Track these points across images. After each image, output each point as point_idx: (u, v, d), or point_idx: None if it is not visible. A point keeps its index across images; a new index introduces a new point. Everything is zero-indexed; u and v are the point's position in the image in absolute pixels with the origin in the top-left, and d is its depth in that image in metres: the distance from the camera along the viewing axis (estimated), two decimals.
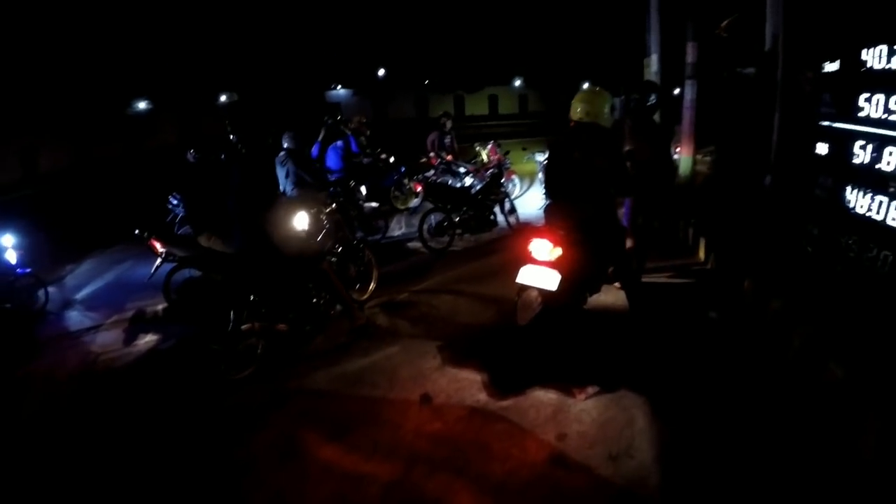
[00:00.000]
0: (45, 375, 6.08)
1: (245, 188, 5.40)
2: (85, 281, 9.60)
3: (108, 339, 6.94)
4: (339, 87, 46.47)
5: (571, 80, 37.76)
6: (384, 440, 4.32)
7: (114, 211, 15.03)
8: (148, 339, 6.77)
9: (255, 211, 5.36)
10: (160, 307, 7.59)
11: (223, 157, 8.47)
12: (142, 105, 36.83)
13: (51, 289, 8.38)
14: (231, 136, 5.34)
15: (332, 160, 10.88)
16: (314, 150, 10.90)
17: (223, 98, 39.12)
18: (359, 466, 4.06)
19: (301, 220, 6.43)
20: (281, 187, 7.82)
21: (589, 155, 5.20)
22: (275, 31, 37.73)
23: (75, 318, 7.81)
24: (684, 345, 5.46)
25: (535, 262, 5.11)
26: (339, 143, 10.96)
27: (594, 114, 5.22)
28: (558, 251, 5.04)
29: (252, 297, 5.55)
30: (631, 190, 6.07)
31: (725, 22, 9.91)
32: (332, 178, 10.29)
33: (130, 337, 6.90)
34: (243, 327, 5.53)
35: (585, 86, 7.21)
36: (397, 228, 11.49)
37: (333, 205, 7.35)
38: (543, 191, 8.71)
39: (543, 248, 5.07)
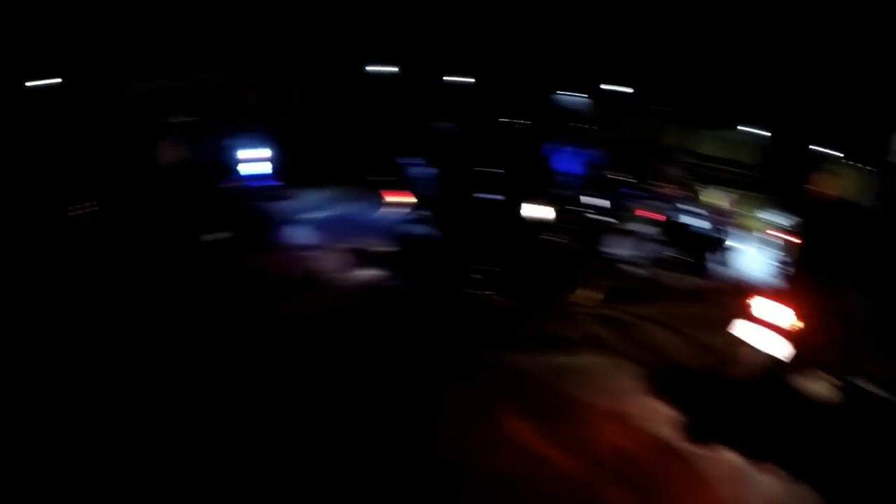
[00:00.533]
0: (273, 272, 7.35)
1: (521, 172, 6.05)
2: (320, 206, 10.54)
3: (331, 259, 7.97)
4: (574, 94, 46.12)
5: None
6: (572, 436, 4.71)
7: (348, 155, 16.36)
8: (370, 273, 7.63)
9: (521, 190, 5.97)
10: (387, 249, 8.18)
11: (491, 136, 9.09)
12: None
13: (293, 203, 9.54)
14: (514, 121, 6.00)
15: (575, 166, 11.14)
16: (562, 154, 11.18)
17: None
18: (541, 450, 4.49)
19: (547, 213, 6.91)
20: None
21: (851, 241, 5.09)
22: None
23: (309, 233, 8.90)
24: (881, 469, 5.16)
25: (765, 325, 5.11)
26: (587, 151, 11.21)
27: (851, 191, 5.08)
28: (798, 324, 5.03)
29: (489, 266, 6.14)
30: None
31: None
32: (572, 182, 10.56)
33: (348, 264, 7.83)
34: (477, 292, 6.12)
35: (837, 154, 6.84)
36: (621, 247, 11.52)
37: (575, 208, 7.77)
38: (777, 258, 8.39)
39: (783, 316, 5.07)
